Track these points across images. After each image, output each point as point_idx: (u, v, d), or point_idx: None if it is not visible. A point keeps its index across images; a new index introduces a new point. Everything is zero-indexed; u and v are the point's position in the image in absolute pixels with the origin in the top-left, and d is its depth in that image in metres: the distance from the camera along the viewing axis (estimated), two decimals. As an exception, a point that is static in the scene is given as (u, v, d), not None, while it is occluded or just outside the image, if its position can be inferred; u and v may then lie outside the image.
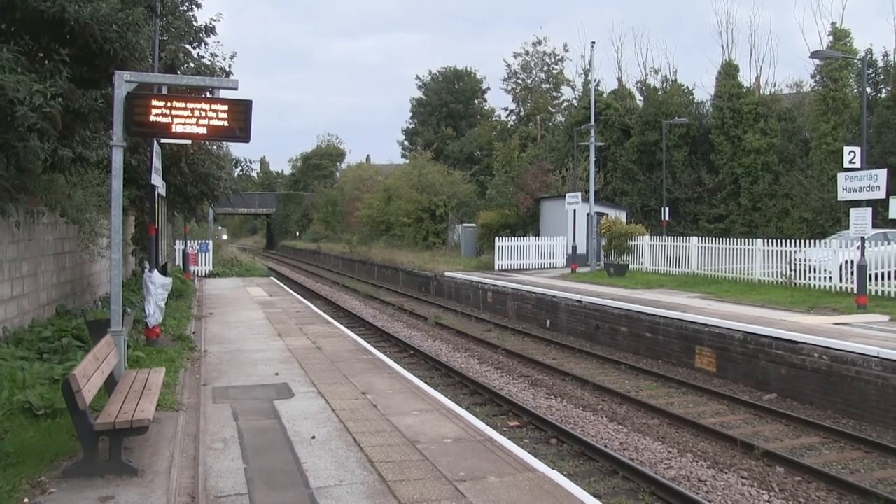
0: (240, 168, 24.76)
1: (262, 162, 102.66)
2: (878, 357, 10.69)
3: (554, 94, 57.36)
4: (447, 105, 64.95)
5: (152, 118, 7.90)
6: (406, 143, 69.34)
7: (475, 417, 8.44)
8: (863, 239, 15.90)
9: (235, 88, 8.66)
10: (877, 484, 8.28)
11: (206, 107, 8.09)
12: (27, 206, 11.03)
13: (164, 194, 15.42)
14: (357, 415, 8.14)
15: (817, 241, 20.18)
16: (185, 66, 16.97)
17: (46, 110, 8.41)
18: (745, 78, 38.12)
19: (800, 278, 19.27)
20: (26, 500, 5.40)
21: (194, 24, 17.51)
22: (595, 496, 6.21)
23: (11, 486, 5.56)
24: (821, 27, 62.20)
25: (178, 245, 30.86)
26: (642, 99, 41.34)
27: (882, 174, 15.40)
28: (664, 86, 40.83)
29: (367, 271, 41.13)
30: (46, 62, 9.30)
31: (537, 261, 29.94)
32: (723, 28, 57.24)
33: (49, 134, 8.76)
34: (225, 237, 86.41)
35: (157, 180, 11.87)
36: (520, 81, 58.22)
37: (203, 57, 18.04)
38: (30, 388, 7.61)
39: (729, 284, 20.61)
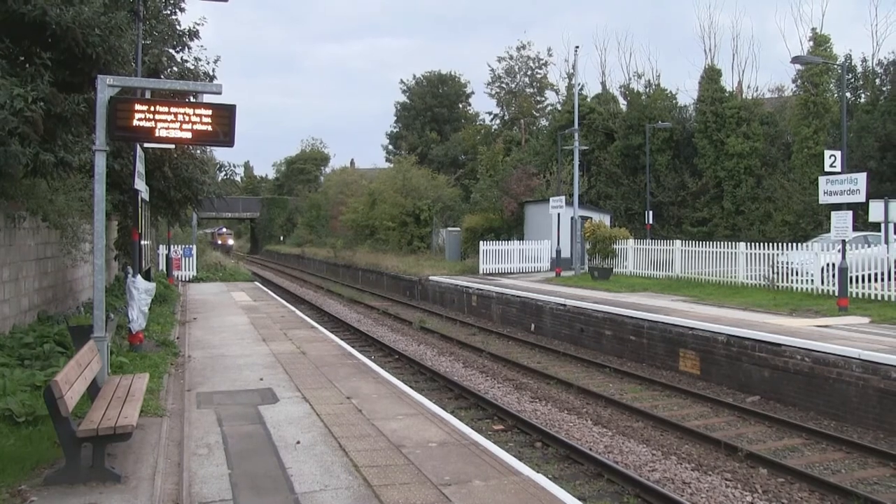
0: (223, 172, 24.68)
1: (246, 166, 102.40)
2: (858, 359, 10.79)
3: (538, 98, 57.60)
4: (431, 109, 65.00)
5: (135, 122, 7.85)
6: (390, 147, 69.34)
7: (460, 421, 8.44)
8: (844, 242, 16.05)
9: (219, 93, 8.63)
10: (857, 484, 8.36)
11: (190, 111, 8.05)
12: (8, 210, 10.93)
13: (148, 199, 15.32)
14: (342, 419, 8.12)
15: (799, 245, 20.34)
16: (169, 70, 16.89)
17: (27, 114, 8.36)
18: (728, 82, 38.55)
19: (782, 281, 19.43)
20: (7, 509, 5.35)
21: (178, 28, 17.44)
22: (580, 499, 6.23)
23: (-8, 494, 5.51)
24: (801, 33, 62.99)
25: (162, 250, 30.69)
26: (626, 103, 41.65)
27: (862, 178, 15.56)
28: (647, 90, 41.15)
29: (352, 276, 41.05)
30: (28, 66, 9.24)
31: (522, 264, 30.01)
32: (705, 33, 57.89)
33: (30, 138, 8.69)
34: (231, 242, 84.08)
35: (140, 185, 11.81)
36: (504, 86, 58.43)
37: (186, 61, 17.97)
38: (10, 395, 7.53)
39: (712, 287, 20.75)
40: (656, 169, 36.76)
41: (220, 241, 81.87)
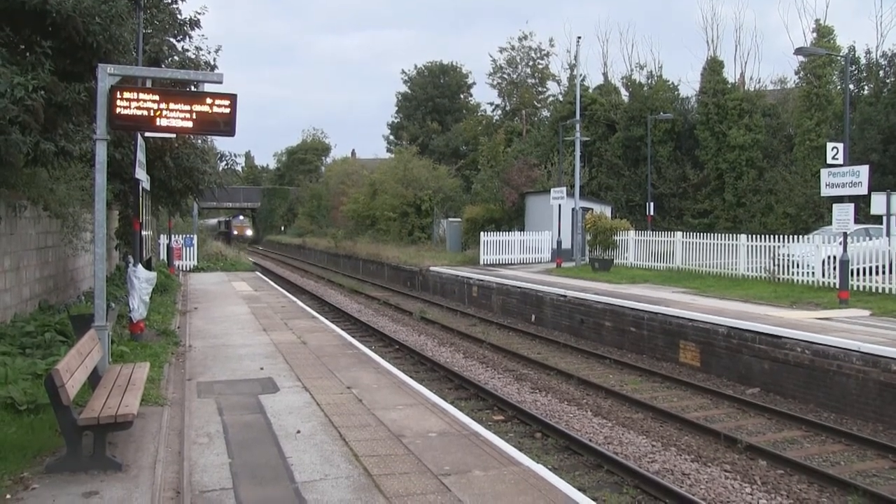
0: (224, 162, 24.69)
1: (247, 156, 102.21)
2: (858, 351, 10.80)
3: (539, 88, 57.41)
4: (433, 100, 64.83)
5: (136, 112, 7.84)
6: (391, 137, 69.16)
7: (460, 411, 8.45)
8: (845, 234, 16.04)
9: (220, 82, 8.61)
10: (856, 476, 8.38)
11: (191, 100, 8.05)
12: (9, 200, 10.93)
13: (148, 188, 15.31)
14: (342, 409, 8.14)
15: (800, 237, 20.32)
16: (170, 59, 16.86)
17: (28, 103, 8.34)
18: (730, 74, 38.39)
19: (783, 273, 19.41)
20: (8, 496, 5.36)
21: (178, 17, 17.39)
22: (580, 490, 6.24)
23: (-7, 481, 5.52)
24: (804, 24, 62.78)
25: (163, 239, 30.70)
26: (627, 94, 41.48)
27: (864, 170, 15.53)
28: (649, 81, 40.99)
29: (353, 266, 41.05)
30: (28, 54, 9.22)
31: (522, 255, 30.01)
32: (708, 24, 57.70)
33: (31, 127, 8.68)
34: (249, 232, 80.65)
35: (141, 174, 11.80)
36: (505, 76, 58.22)
37: (187, 50, 17.96)
38: (12, 384, 7.55)
39: (713, 279, 20.73)
40: (658, 160, 36.67)
41: (235, 232, 79.22)
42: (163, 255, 29.75)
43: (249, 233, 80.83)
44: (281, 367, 10.51)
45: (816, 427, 10.28)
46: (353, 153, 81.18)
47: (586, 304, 17.87)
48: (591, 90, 41.33)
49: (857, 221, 17.73)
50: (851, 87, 30.66)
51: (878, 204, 19.92)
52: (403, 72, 68.74)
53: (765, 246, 20.30)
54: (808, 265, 18.88)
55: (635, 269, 24.51)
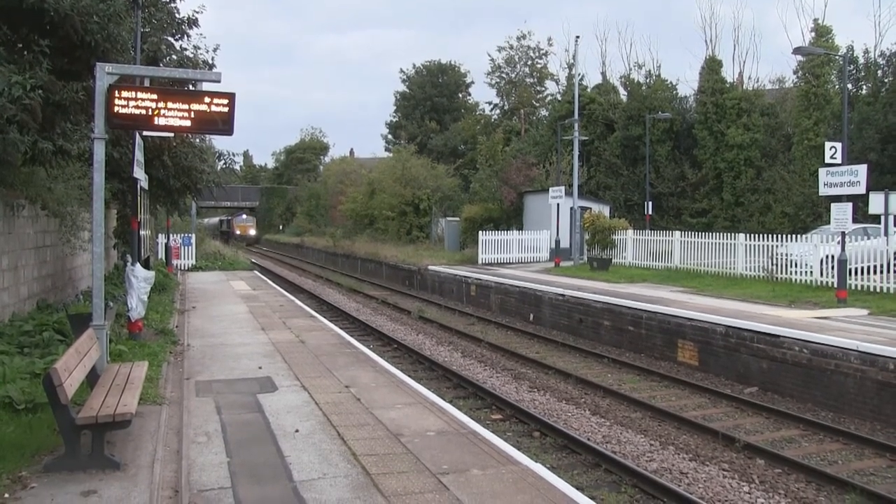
0: (223, 161, 24.70)
1: (246, 155, 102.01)
2: (856, 350, 10.81)
3: (538, 88, 57.46)
4: (431, 99, 64.83)
5: (134, 111, 7.83)
6: (390, 136, 69.17)
7: (458, 410, 8.45)
8: (843, 234, 16.04)
9: (218, 81, 8.60)
10: (853, 475, 8.39)
11: (189, 99, 8.05)
12: (7, 199, 10.92)
13: (147, 187, 15.29)
14: (341, 408, 8.14)
15: (799, 236, 20.33)
16: (168, 58, 16.84)
17: (26, 102, 8.34)
18: (729, 73, 38.48)
19: (781, 273, 19.42)
20: (6, 496, 5.36)
21: (177, 16, 17.36)
22: (578, 488, 6.25)
23: (-8, 480, 5.52)
24: (803, 24, 62.80)
25: (161, 238, 30.67)
26: (626, 94, 41.53)
27: (862, 170, 15.54)
28: (648, 80, 41.05)
29: (351, 265, 41.04)
30: (26, 53, 9.22)
31: (521, 255, 30.01)
32: (706, 24, 57.50)
33: (29, 126, 8.68)
34: (253, 231, 77.13)
35: (139, 173, 11.79)
36: (504, 75, 58.27)
37: (186, 49, 17.92)
38: (10, 383, 7.54)
39: (711, 279, 20.75)
40: (656, 160, 36.71)
41: (238, 231, 76.69)
42: (161, 255, 29.75)
43: (253, 232, 76.75)
44: (279, 367, 10.51)
45: (814, 426, 10.30)
46: (351, 152, 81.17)
47: (585, 303, 17.88)
48: (589, 89, 41.37)
49: (855, 221, 17.76)
50: (850, 86, 30.63)
51: (876, 203, 19.95)
52: (402, 71, 68.84)
53: (763, 245, 20.32)
54: (806, 264, 18.90)
55: (633, 269, 24.52)
